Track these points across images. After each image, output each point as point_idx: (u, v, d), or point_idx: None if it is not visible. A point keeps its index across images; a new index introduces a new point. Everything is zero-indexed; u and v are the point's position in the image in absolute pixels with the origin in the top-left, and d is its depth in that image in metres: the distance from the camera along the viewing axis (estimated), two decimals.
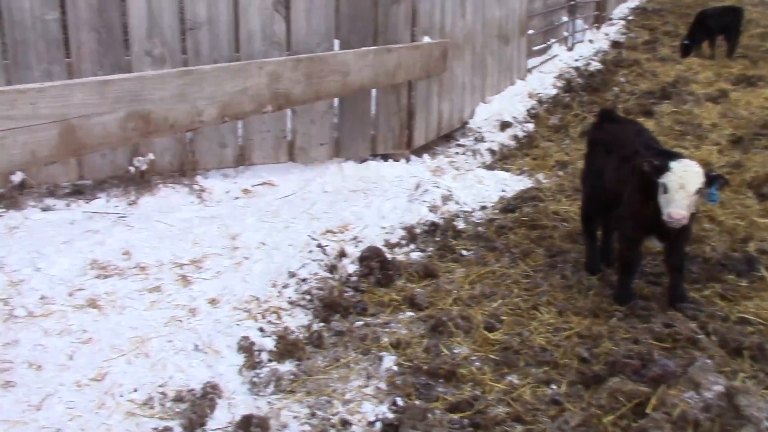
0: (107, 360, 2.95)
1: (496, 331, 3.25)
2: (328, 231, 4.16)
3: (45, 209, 4.29)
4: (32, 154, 2.18)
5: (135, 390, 2.79)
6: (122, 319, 3.26)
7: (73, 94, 2.32)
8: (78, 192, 4.49)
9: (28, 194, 4.33)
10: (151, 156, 4.55)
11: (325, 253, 3.83)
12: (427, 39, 5.27)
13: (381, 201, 4.59)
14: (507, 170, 5.43)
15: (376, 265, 3.78)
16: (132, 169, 4.53)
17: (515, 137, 6.23)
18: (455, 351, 3.11)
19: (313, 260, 3.77)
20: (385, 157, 5.30)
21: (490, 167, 5.53)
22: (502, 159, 5.80)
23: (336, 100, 5.02)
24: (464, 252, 4.08)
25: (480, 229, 4.36)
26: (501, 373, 2.96)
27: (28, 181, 4.31)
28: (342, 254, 3.86)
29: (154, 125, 2.66)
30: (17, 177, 4.24)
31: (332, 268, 3.76)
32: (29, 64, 4.20)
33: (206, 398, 2.74)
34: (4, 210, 4.21)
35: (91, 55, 4.33)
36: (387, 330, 3.30)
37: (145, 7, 4.37)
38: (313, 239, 3.97)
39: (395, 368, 2.98)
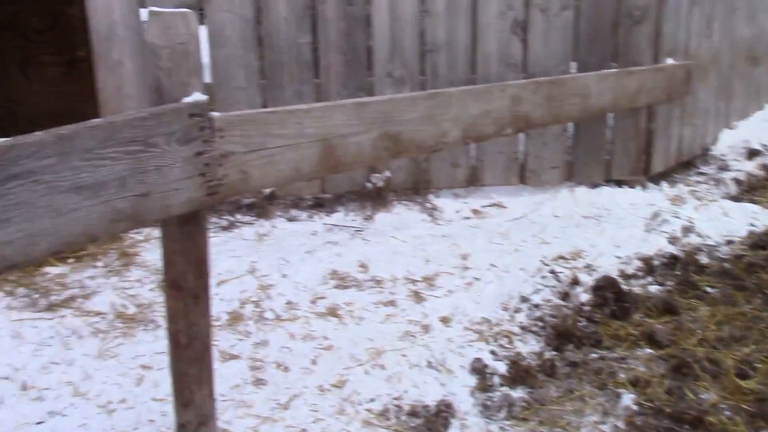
0: (347, 368, 3.08)
1: (750, 379, 2.98)
2: (560, 257, 4.06)
3: (290, 219, 4.59)
4: (297, 170, 2.31)
5: (372, 400, 2.88)
6: (360, 329, 3.39)
7: (334, 115, 2.44)
8: (319, 205, 4.76)
9: (276, 205, 4.66)
10: (387, 173, 4.71)
11: (558, 280, 3.74)
12: (670, 61, 5.00)
13: (615, 229, 4.41)
14: (756, 203, 4.99)
15: (611, 296, 3.63)
16: (369, 185, 4.72)
17: (765, 167, 5.73)
18: (702, 396, 2.89)
19: (546, 286, 3.70)
20: (619, 183, 5.09)
21: (735, 198, 5.12)
22: (749, 190, 5.35)
23: (570, 123, 4.91)
24: (708, 289, 3.79)
25: (726, 265, 4.04)
26: (756, 426, 2.70)
27: (277, 193, 4.64)
28: (575, 282, 3.75)
29: (403, 146, 2.73)
30: (267, 189, 4.57)
31: (565, 296, 3.66)
32: (282, 84, 4.53)
33: (440, 416, 2.77)
34: (255, 219, 4.56)
35: (338, 76, 4.59)
36: (624, 366, 3.14)
37: (388, 30, 4.56)
38: (545, 264, 3.90)
39: (634, 407, 2.82)
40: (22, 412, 2.75)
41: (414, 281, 3.84)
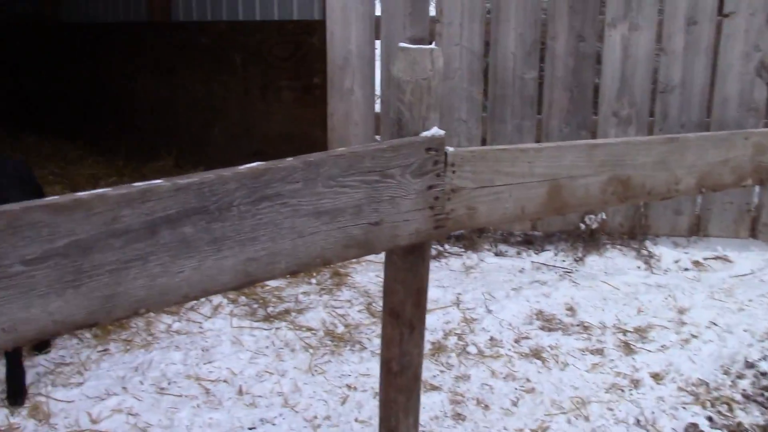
0: (548, 414, 2.97)
1: None
2: None
3: (498, 254, 4.56)
4: (522, 209, 2.27)
5: None
6: (564, 375, 3.27)
7: (564, 156, 2.38)
8: (528, 242, 4.68)
9: (484, 238, 4.64)
10: (602, 215, 4.55)
11: None
12: None
13: None
14: None
15: None
16: (582, 226, 4.58)
17: None
18: None
19: None
20: None
21: None
22: None
23: None
24: None
25: None
26: None
27: (486, 227, 4.62)
28: None
29: (632, 191, 2.60)
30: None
31: None
32: (504, 119, 4.52)
33: None
34: (462, 250, 4.57)
35: (561, 113, 4.50)
36: None
37: (619, 68, 4.41)
38: None
39: None
40: (236, 415, 2.92)
41: (624, 331, 3.66)
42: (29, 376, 3.08)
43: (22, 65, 8.78)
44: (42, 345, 3.31)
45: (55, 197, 1.33)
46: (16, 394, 2.93)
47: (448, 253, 4.54)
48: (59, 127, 8.14)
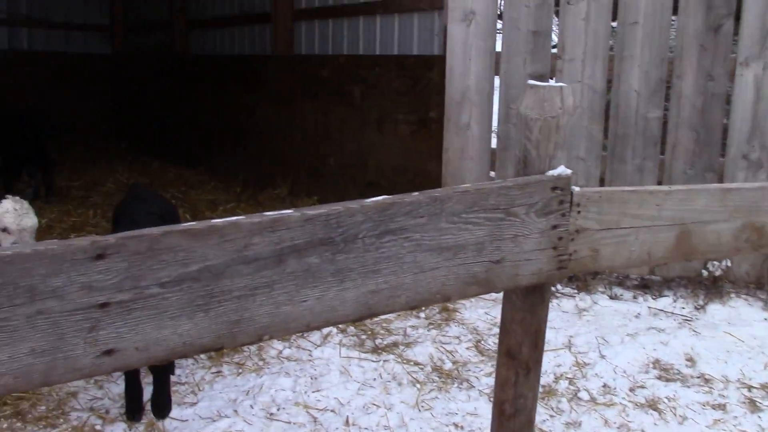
0: None
1: None
2: None
3: (612, 297, 4.40)
4: (648, 253, 2.18)
5: None
6: (682, 430, 3.10)
7: (695, 200, 2.28)
8: (645, 286, 4.50)
9: (598, 280, 4.50)
10: (727, 263, 4.33)
11: None
12: None
13: None
14: None
15: None
16: (704, 272, 4.37)
17: None
18: None
19: None
20: None
21: None
22: None
23: None
24: None
25: None
26: None
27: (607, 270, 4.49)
28: None
29: (766, 239, 2.45)
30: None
31: None
32: (624, 158, 4.39)
33: None
34: (575, 291, 4.44)
35: (685, 154, 4.33)
36: None
37: (750, 109, 4.21)
38: None
39: None
40: None
41: (749, 387, 3.44)
42: (146, 393, 3.18)
43: (150, 93, 9.27)
44: (162, 407, 3.08)
45: (192, 223, 1.37)
46: (134, 411, 3.03)
47: (560, 293, 4.42)
48: (182, 153, 8.52)
